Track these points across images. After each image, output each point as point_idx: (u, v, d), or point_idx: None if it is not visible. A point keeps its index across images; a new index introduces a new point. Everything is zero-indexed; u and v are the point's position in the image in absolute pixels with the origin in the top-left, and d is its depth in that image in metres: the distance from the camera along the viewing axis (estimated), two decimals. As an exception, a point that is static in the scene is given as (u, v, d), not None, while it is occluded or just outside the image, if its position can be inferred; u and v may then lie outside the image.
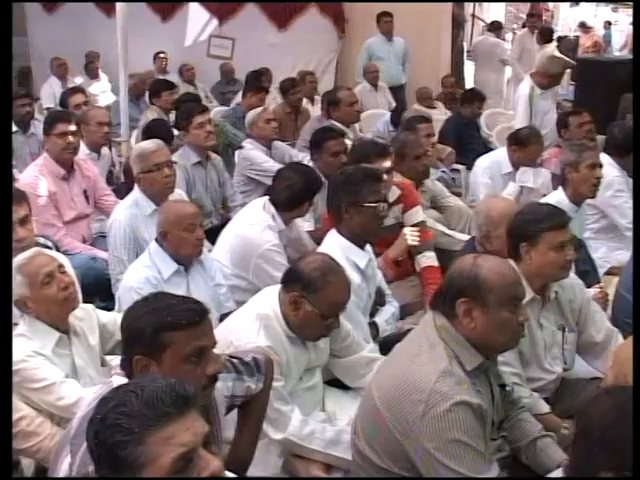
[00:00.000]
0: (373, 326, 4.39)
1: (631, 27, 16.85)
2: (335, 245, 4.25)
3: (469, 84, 13.64)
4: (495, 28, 15.38)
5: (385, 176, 4.97)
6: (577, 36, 17.69)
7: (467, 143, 8.27)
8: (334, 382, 3.98)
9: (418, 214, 5.28)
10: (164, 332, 2.52)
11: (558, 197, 5.13)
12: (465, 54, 15.79)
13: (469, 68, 15.17)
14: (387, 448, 2.91)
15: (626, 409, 2.08)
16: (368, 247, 4.42)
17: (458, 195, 6.96)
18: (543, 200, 5.02)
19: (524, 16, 18.29)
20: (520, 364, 3.67)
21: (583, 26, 17.69)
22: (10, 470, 2.65)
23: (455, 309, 2.88)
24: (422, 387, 2.77)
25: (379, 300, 4.57)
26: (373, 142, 5.32)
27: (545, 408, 3.63)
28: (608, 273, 5.44)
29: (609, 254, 5.73)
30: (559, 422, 3.59)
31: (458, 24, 14.25)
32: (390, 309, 4.62)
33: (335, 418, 3.75)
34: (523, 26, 16.89)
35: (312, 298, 3.44)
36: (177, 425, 1.89)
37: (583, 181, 5.17)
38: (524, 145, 6.37)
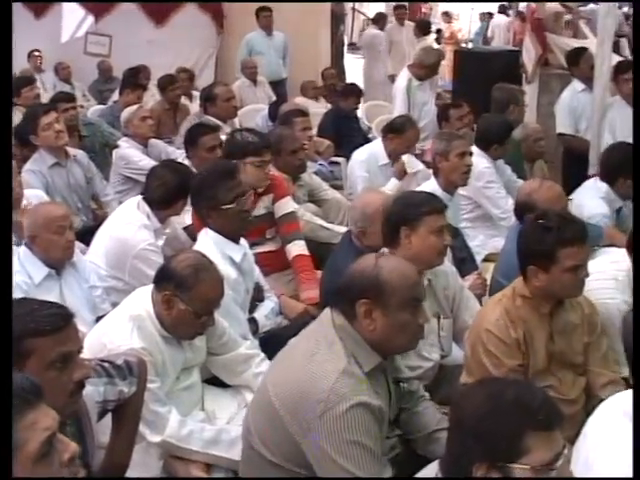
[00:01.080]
0: (252, 322, 4.35)
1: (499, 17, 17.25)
2: (209, 241, 4.20)
3: (353, 77, 13.74)
4: (378, 20, 15.56)
5: (267, 168, 5.06)
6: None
7: (347, 136, 8.26)
8: (214, 380, 3.93)
9: (288, 204, 5.25)
10: (27, 339, 2.43)
11: (431, 186, 5.19)
12: (346, 47, 15.97)
13: (350, 62, 15.34)
14: (283, 446, 2.86)
15: (499, 400, 2.09)
16: (243, 241, 4.39)
17: (339, 188, 6.98)
18: (420, 188, 5.11)
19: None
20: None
21: (446, 16, 17.98)
22: (10, 470, 2.62)
23: (355, 309, 2.85)
24: (321, 387, 2.73)
25: (257, 296, 4.54)
26: (250, 135, 5.26)
27: None
28: (485, 260, 5.54)
29: (486, 242, 5.84)
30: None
31: (337, 18, 14.39)
32: (269, 304, 4.59)
33: (215, 417, 3.72)
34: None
35: (185, 296, 3.40)
36: (38, 411, 1.91)
37: (453, 169, 5.25)
38: (400, 132, 6.43)
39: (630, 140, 6.60)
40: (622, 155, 5.34)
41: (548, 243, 3.35)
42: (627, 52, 13.01)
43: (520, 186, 5.03)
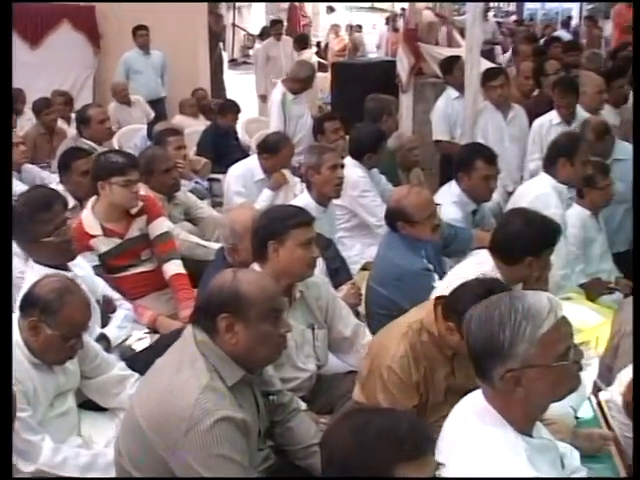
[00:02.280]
0: (103, 338, 4.24)
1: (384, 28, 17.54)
2: (32, 277, 3.95)
3: (235, 94, 13.77)
4: (262, 34, 15.72)
5: (134, 188, 4.98)
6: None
7: (226, 152, 8.25)
8: (90, 404, 3.87)
9: (162, 225, 5.21)
10: None
11: (305, 200, 5.26)
12: (226, 64, 16.00)
13: (231, 78, 15.40)
14: (152, 466, 2.85)
15: (363, 434, 2.05)
16: (77, 261, 4.31)
17: (219, 204, 6.99)
18: (291, 203, 5.15)
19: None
20: (272, 367, 3.71)
21: (334, 28, 18.25)
22: (10, 470, 2.57)
23: (216, 324, 2.86)
24: (185, 404, 2.73)
25: (108, 308, 4.46)
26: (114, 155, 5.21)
27: None
28: (364, 268, 5.61)
29: (364, 250, 5.92)
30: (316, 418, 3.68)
31: (216, 34, 14.41)
32: (121, 313, 4.49)
33: (92, 441, 3.66)
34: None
35: (51, 321, 3.36)
36: None
37: (326, 182, 5.32)
38: (275, 152, 6.45)
39: (501, 146, 6.84)
40: (463, 152, 5.60)
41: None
42: (501, 59, 13.40)
43: (390, 194, 5.10)
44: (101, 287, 4.51)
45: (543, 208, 5.11)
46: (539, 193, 5.37)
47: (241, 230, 4.22)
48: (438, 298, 3.48)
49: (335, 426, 2.20)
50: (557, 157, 5.44)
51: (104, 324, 4.36)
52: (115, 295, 4.60)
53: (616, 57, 10.69)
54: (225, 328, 2.85)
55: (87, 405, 3.87)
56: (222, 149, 8.32)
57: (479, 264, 4.16)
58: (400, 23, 14.57)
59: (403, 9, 14.43)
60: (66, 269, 4.13)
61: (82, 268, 4.36)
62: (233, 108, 9.08)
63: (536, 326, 2.32)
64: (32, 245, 4.10)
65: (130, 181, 4.95)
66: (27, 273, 4.12)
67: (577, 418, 4.15)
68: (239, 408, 2.84)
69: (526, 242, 4.09)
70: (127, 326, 4.45)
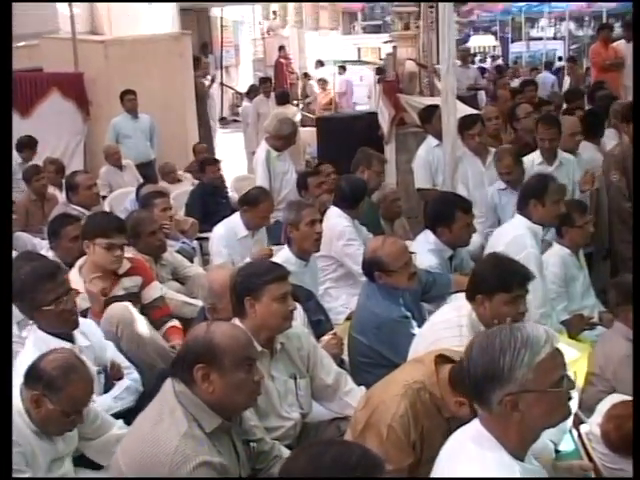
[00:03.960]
0: None
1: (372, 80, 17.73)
2: (29, 343, 4.21)
3: (225, 152, 13.98)
4: (249, 92, 16.00)
5: (118, 251, 5.11)
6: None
7: (215, 211, 8.30)
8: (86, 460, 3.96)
9: (156, 290, 5.37)
10: None
11: (285, 255, 5.41)
12: (217, 122, 16.25)
13: (220, 136, 15.64)
14: None
15: (318, 462, 2.19)
16: (82, 328, 4.38)
17: (209, 263, 7.09)
18: (274, 259, 5.28)
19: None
20: (257, 417, 3.82)
21: (322, 83, 18.46)
22: (10, 470, 2.68)
23: (193, 375, 3.02)
24: (165, 451, 2.88)
25: (114, 375, 4.49)
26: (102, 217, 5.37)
27: None
28: (348, 318, 5.71)
29: (349, 300, 5.99)
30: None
31: (203, 95, 14.67)
32: (124, 383, 4.49)
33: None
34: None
35: (54, 397, 3.48)
36: None
37: (305, 238, 5.47)
38: (255, 204, 6.57)
39: (482, 190, 6.99)
40: (440, 205, 5.67)
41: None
42: (485, 104, 13.56)
43: (367, 245, 5.18)
44: (110, 352, 4.54)
45: (519, 249, 5.28)
46: (515, 235, 5.51)
47: (219, 289, 4.34)
48: (439, 357, 3.46)
49: (294, 456, 2.35)
50: (528, 199, 5.60)
51: (107, 390, 4.40)
52: (125, 362, 4.60)
53: (594, 97, 10.88)
54: (201, 378, 3.01)
55: (83, 461, 3.96)
56: (211, 207, 8.37)
57: (457, 308, 4.31)
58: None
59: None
60: (70, 339, 4.23)
61: (90, 335, 4.42)
62: (211, 162, 9.24)
63: (534, 353, 2.50)
64: (35, 312, 4.21)
65: (113, 244, 5.08)
66: (29, 338, 4.24)
67: (559, 452, 4.25)
68: (218, 454, 2.99)
69: (479, 281, 4.26)
70: (126, 398, 4.43)
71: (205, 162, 9.38)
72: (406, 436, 3.35)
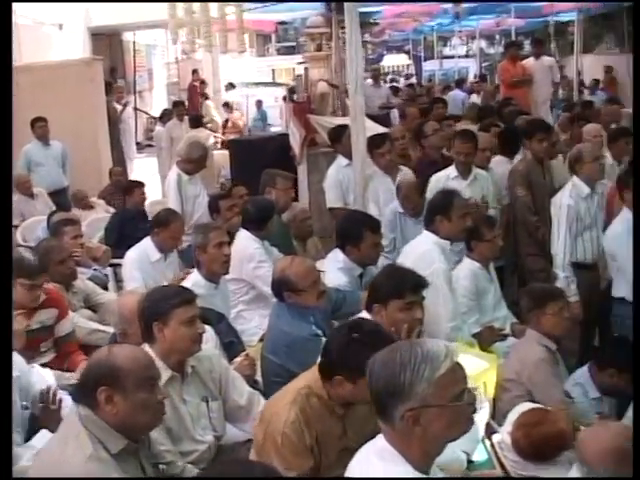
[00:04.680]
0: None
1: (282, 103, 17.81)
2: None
3: (140, 177, 13.88)
4: (162, 117, 15.95)
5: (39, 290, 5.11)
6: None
7: (136, 236, 8.08)
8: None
9: (69, 324, 5.39)
10: None
11: (195, 279, 5.42)
12: (133, 147, 16.18)
13: (135, 161, 15.60)
14: None
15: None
16: None
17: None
18: (184, 283, 5.28)
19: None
20: (170, 441, 3.82)
21: (227, 106, 18.48)
22: (10, 470, 2.62)
23: (96, 398, 3.04)
24: (72, 473, 2.91)
25: (47, 401, 4.26)
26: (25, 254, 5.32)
27: None
28: (262, 339, 5.72)
29: (262, 322, 5.97)
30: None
31: (116, 119, 14.60)
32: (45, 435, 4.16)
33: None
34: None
35: None
36: None
37: (213, 260, 5.47)
38: (165, 225, 6.58)
39: (391, 207, 7.08)
40: (349, 225, 5.76)
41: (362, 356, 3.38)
42: (397, 122, 13.74)
43: (275, 265, 5.22)
44: (37, 387, 4.35)
45: (427, 265, 5.37)
46: (422, 251, 5.60)
47: (129, 315, 4.33)
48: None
49: (199, 478, 2.39)
50: (434, 215, 5.70)
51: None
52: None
53: (502, 113, 11.12)
54: (105, 400, 3.04)
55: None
56: (131, 232, 8.04)
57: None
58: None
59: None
60: None
61: (18, 367, 4.30)
62: (136, 185, 9.15)
63: (434, 368, 2.54)
64: None
65: (35, 285, 5.11)
66: None
67: (472, 462, 4.33)
68: (124, 474, 3.02)
69: (374, 291, 4.44)
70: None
71: (130, 185, 9.28)
72: (301, 441, 3.46)
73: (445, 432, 2.60)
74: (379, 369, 2.61)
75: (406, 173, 7.75)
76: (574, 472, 3.76)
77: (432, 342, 2.66)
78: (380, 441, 2.66)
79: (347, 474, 2.80)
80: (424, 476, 2.61)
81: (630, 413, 5.29)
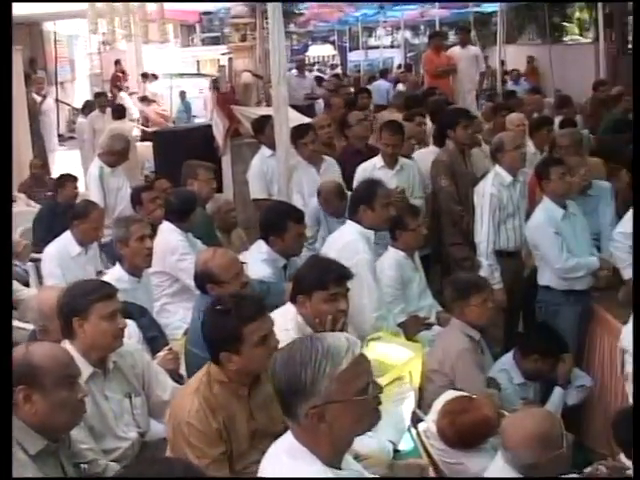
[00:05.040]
0: None
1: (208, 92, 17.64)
2: None
3: (63, 170, 13.65)
4: (84, 108, 15.72)
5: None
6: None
7: (64, 231, 7.94)
8: None
9: None
10: None
11: (118, 273, 5.32)
12: (55, 139, 15.92)
13: (58, 154, 15.35)
14: None
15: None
16: None
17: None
18: (105, 277, 5.19)
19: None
20: (93, 439, 3.74)
21: (145, 100, 18.20)
22: (10, 470, 2.62)
23: (14, 398, 2.96)
24: None
25: None
26: None
27: None
28: (186, 333, 5.67)
29: (187, 314, 5.91)
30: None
31: (35, 111, 14.33)
32: None
33: None
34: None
35: None
36: None
37: (135, 254, 5.38)
38: (84, 216, 6.48)
39: (315, 199, 7.06)
40: (272, 215, 5.73)
41: (230, 326, 3.48)
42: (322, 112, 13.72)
43: (196, 258, 5.15)
44: None
45: (351, 255, 5.37)
46: (346, 241, 5.60)
47: (49, 311, 4.21)
48: None
49: (119, 476, 2.34)
50: (358, 205, 5.69)
51: None
52: None
53: (426, 102, 11.18)
54: (23, 400, 2.97)
55: None
56: (61, 227, 7.38)
57: (282, 314, 4.40)
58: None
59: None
60: None
61: None
62: (69, 179, 8.89)
63: (335, 364, 2.49)
64: None
65: None
66: None
67: (398, 451, 4.34)
68: (44, 476, 2.95)
69: (298, 282, 4.46)
70: None
71: (62, 179, 9.00)
72: (207, 428, 3.44)
73: (352, 427, 2.57)
74: (280, 368, 2.56)
75: (330, 163, 7.73)
76: (499, 458, 3.81)
77: (333, 336, 2.61)
78: (289, 438, 2.62)
79: (259, 473, 2.75)
80: (334, 476, 2.57)
81: (554, 398, 5.39)
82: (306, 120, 9.03)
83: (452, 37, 24.72)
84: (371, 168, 7.39)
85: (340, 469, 2.61)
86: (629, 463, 4.29)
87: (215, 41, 31.68)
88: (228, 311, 3.51)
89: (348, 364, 2.50)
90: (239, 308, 3.51)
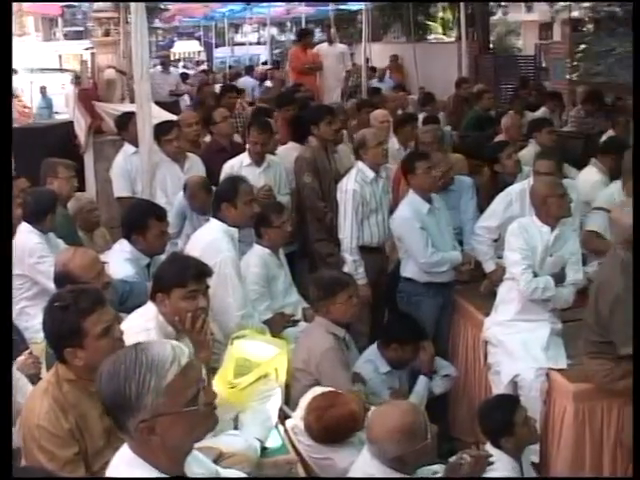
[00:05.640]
0: None
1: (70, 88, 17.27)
2: None
3: None
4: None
5: None
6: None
7: None
8: None
9: None
10: None
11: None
12: None
13: None
14: None
15: None
16: None
17: None
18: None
19: None
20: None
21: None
22: (10, 470, 2.50)
23: None
24: None
25: None
26: None
27: None
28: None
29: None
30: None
31: None
32: None
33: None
34: None
35: None
36: None
37: None
38: None
39: (180, 195, 6.97)
40: (134, 214, 5.66)
41: (70, 321, 3.40)
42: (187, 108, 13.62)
43: (56, 258, 4.98)
44: None
45: (215, 254, 5.33)
46: (210, 239, 5.54)
47: None
48: None
49: None
50: (220, 202, 5.64)
51: None
52: None
53: (294, 98, 11.21)
54: None
55: None
56: None
57: (142, 313, 4.36)
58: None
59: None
60: None
61: None
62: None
63: (160, 377, 2.42)
64: None
65: None
66: None
67: (266, 448, 4.34)
68: None
69: (157, 279, 4.42)
70: None
71: None
72: (58, 429, 3.36)
73: (185, 437, 2.52)
74: (105, 383, 2.47)
75: (194, 160, 7.65)
76: (365, 452, 3.85)
77: (159, 347, 2.52)
78: (126, 450, 2.54)
79: None
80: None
81: (419, 387, 5.50)
82: (170, 117, 8.90)
83: (318, 34, 24.92)
84: (238, 166, 7.34)
85: (183, 476, 2.58)
86: (494, 451, 4.43)
87: (78, 35, 31.13)
88: (67, 306, 3.43)
89: (175, 375, 2.44)
90: (77, 302, 3.43)
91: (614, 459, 5.17)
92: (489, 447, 4.53)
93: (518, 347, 5.42)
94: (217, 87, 14.96)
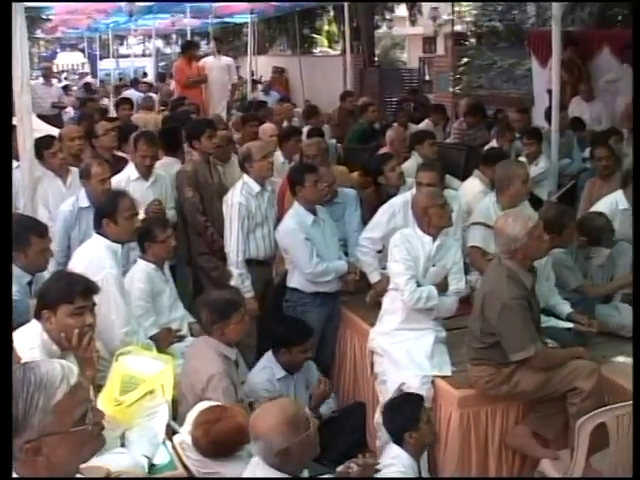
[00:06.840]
0: None
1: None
2: None
3: None
4: None
5: None
6: None
7: None
8: None
9: None
10: None
11: None
12: None
13: None
14: None
15: None
16: None
17: None
18: None
19: None
20: None
21: None
22: (10, 470, 2.36)
23: None
24: None
25: None
26: None
27: None
28: None
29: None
30: None
31: None
32: None
33: None
34: None
35: None
36: None
37: None
38: None
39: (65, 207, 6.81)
40: (15, 230, 5.38)
41: None
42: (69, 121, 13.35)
43: None
44: None
45: (98, 270, 5.24)
46: (92, 256, 5.44)
47: None
48: None
49: None
50: (102, 218, 5.55)
51: None
52: None
53: (176, 113, 11.20)
54: None
55: None
56: None
57: (26, 333, 4.26)
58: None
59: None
60: None
61: None
62: None
63: (49, 396, 2.37)
64: None
65: None
66: None
67: (153, 465, 4.30)
68: None
69: (42, 296, 4.34)
70: None
71: None
72: None
73: (72, 457, 2.47)
74: None
75: (77, 174, 7.48)
76: (254, 462, 3.85)
77: (47, 366, 2.47)
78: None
79: None
80: None
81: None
82: (53, 130, 8.74)
83: (204, 47, 24.83)
84: (125, 180, 7.26)
85: None
86: (395, 451, 4.55)
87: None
88: None
89: (64, 394, 2.40)
90: None
91: (499, 461, 5.33)
92: (390, 446, 4.69)
93: (403, 356, 5.50)
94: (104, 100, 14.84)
